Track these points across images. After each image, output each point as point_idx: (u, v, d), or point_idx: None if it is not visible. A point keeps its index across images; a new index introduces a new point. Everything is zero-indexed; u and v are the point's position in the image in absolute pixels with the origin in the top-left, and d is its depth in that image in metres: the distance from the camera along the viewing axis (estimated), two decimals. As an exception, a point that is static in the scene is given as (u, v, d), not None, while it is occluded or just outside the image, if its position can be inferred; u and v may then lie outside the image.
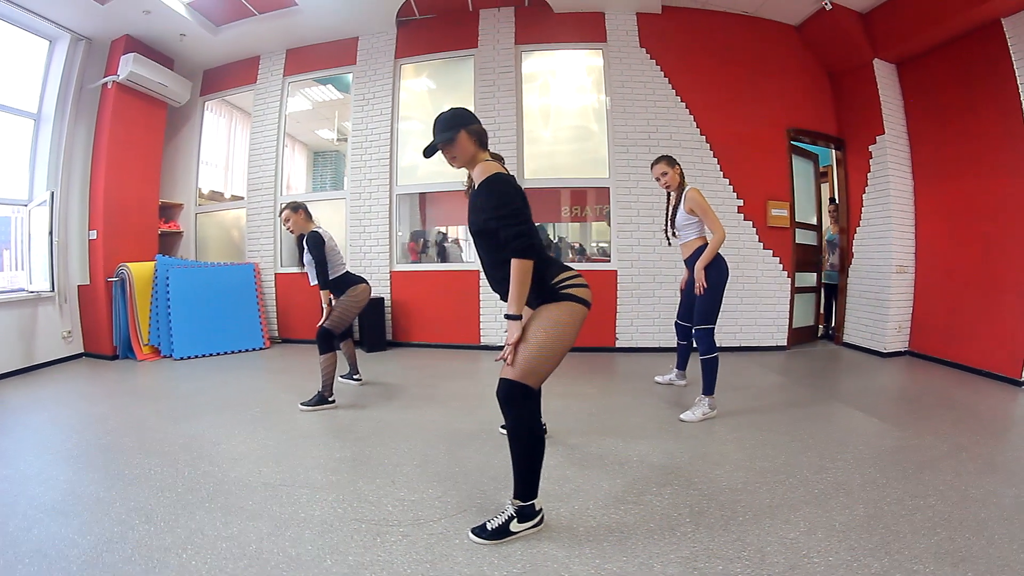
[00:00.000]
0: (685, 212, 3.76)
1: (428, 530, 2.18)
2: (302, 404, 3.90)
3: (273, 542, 2.10)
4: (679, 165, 3.91)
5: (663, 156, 3.90)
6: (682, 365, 4.38)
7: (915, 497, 2.41)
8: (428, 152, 2.18)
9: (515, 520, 2.10)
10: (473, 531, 2.13)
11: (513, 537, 2.09)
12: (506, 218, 2.03)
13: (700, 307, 3.64)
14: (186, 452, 3.08)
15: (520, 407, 2.04)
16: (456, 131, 2.14)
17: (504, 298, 2.15)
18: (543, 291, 2.09)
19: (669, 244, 4.22)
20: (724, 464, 2.84)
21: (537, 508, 2.14)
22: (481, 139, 2.22)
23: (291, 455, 3.03)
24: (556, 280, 2.08)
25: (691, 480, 2.64)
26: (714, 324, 3.65)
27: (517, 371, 2.02)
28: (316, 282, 3.97)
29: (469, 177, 2.24)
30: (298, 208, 4.07)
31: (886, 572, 1.85)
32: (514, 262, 2.01)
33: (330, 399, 3.93)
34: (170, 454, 3.03)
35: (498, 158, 2.38)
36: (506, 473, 2.31)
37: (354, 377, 4.56)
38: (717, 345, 3.67)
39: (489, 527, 2.11)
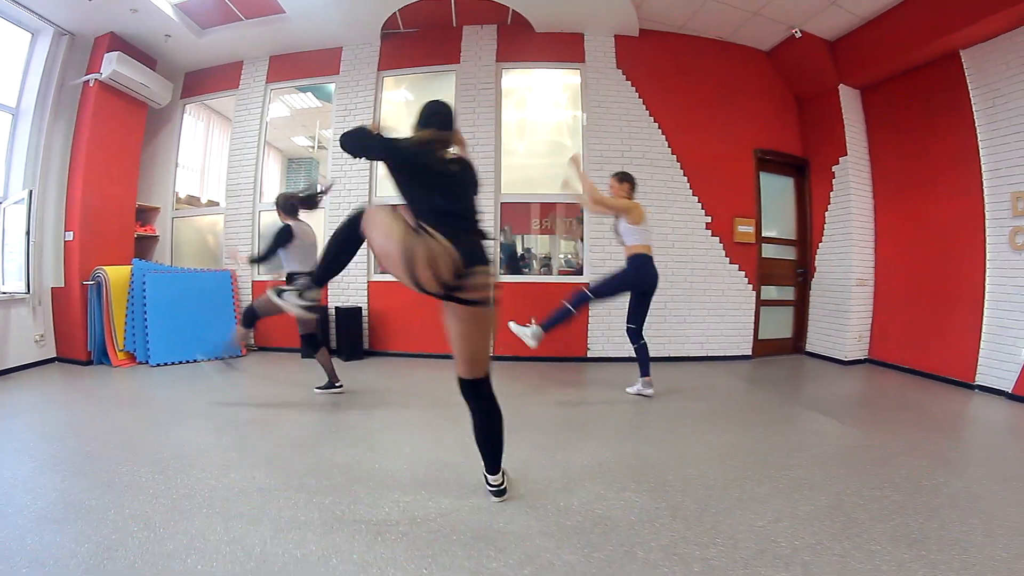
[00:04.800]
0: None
1: (426, 528, 2.31)
2: (316, 388, 4.50)
3: (277, 544, 2.15)
4: (628, 182, 4.48)
5: (616, 172, 4.56)
6: (645, 372, 4.54)
7: (872, 488, 2.65)
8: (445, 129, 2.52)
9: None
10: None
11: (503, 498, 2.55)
12: None
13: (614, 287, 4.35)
14: (176, 459, 3.05)
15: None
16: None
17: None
18: None
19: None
20: (696, 464, 3.06)
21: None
22: None
23: (282, 460, 3.07)
24: None
25: (665, 478, 2.84)
26: (634, 326, 4.39)
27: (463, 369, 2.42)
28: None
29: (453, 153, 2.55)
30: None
31: (847, 553, 2.07)
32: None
33: (337, 384, 4.49)
34: (159, 461, 3.00)
35: None
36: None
37: (335, 386, 4.61)
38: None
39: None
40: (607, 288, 4.34)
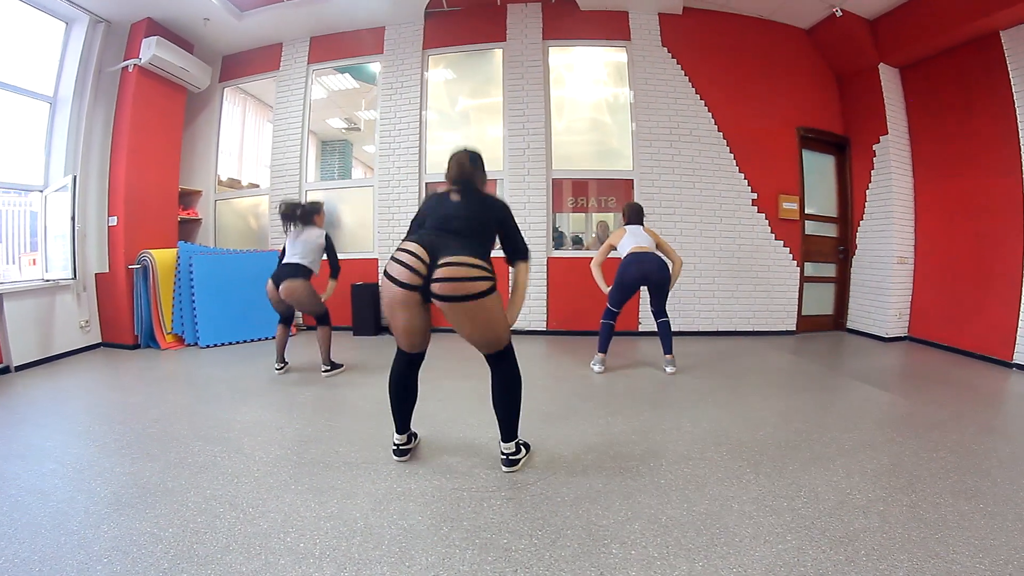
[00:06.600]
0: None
1: (528, 492, 2.34)
2: (323, 371, 4.45)
3: (379, 516, 2.10)
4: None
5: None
6: (603, 348, 4.68)
7: (928, 451, 2.81)
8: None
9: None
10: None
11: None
12: None
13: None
14: (249, 437, 2.98)
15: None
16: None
17: None
18: None
19: None
20: (764, 427, 3.20)
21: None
22: None
23: (361, 434, 3.01)
24: None
25: (741, 440, 2.98)
26: (609, 305, 4.56)
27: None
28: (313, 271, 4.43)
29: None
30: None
31: (915, 505, 2.22)
32: None
33: (325, 368, 4.47)
34: (232, 440, 2.93)
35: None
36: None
37: (331, 367, 4.51)
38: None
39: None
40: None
